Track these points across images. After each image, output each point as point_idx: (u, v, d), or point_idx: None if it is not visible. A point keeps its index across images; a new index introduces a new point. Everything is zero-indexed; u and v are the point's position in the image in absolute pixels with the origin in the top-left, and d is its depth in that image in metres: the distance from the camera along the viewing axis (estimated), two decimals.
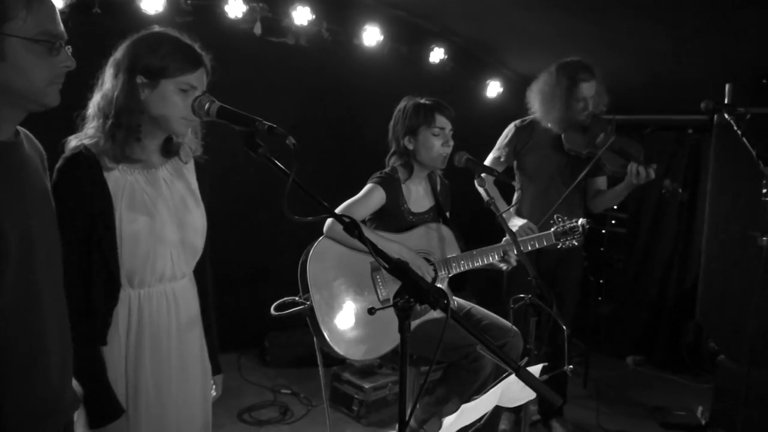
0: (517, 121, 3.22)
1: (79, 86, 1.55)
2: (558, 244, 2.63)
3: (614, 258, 4.78)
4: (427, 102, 2.58)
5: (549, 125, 3.10)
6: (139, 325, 1.60)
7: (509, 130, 3.21)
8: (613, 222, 4.79)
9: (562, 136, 3.05)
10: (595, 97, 3.01)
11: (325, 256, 2.37)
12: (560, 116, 3.03)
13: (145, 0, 3.27)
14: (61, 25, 1.19)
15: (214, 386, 1.87)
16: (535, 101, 3.12)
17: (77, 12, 2.91)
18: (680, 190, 2.85)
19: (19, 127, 1.25)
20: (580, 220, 2.61)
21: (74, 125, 1.60)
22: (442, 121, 2.55)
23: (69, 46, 1.21)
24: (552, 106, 3.03)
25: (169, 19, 3.31)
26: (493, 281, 3.28)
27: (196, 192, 1.74)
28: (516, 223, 2.95)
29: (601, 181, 3.22)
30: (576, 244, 2.63)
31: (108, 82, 1.57)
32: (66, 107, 1.52)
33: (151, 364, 1.61)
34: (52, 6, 1.18)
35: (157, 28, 1.62)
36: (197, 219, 1.70)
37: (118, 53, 1.58)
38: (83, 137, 1.56)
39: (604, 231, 4.59)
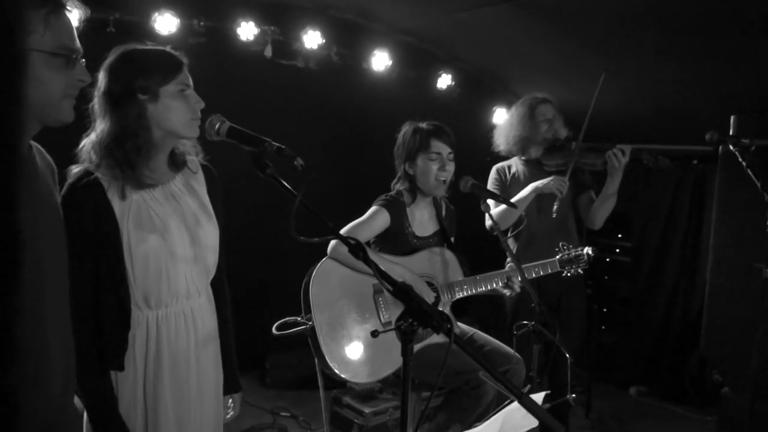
0: (497, 164, 3.30)
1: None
2: (563, 272, 2.62)
3: (618, 287, 4.76)
4: (424, 127, 2.59)
5: (523, 156, 3.20)
6: (158, 347, 1.58)
7: (492, 173, 3.27)
8: (617, 250, 4.78)
9: (541, 160, 3.15)
10: (556, 121, 3.14)
11: (328, 277, 2.37)
12: (527, 137, 3.14)
13: (158, 21, 3.33)
14: (77, 40, 1.22)
15: (231, 404, 1.84)
16: (501, 137, 3.27)
17: (92, 31, 2.97)
18: (667, 161, 2.84)
19: (32, 142, 1.26)
20: (586, 249, 2.61)
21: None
22: (438, 145, 2.56)
23: (83, 60, 1.23)
24: (518, 133, 3.16)
25: (181, 40, 3.36)
26: (497, 307, 3.27)
27: (208, 206, 1.72)
28: (542, 182, 2.98)
29: (588, 196, 3.22)
30: (581, 272, 2.62)
31: (100, 117, 1.55)
32: (81, 126, 1.55)
33: (171, 386, 1.59)
34: (69, 21, 1.20)
35: (125, 47, 1.59)
36: (209, 234, 1.68)
37: (102, 84, 1.55)
38: (86, 165, 1.55)
39: (608, 259, 4.57)
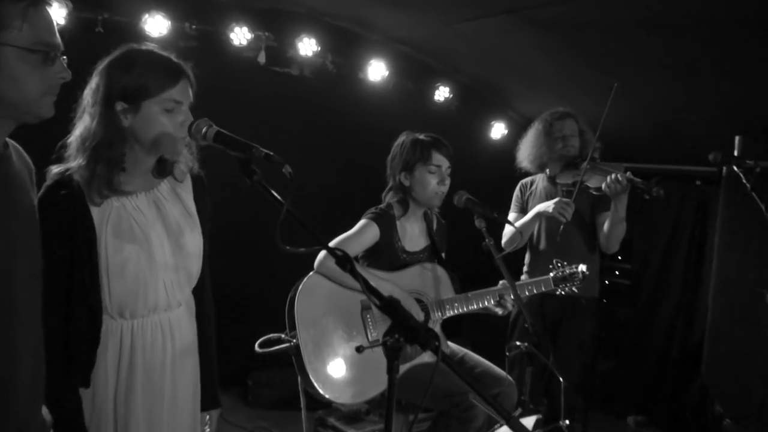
0: (523, 180, 3.40)
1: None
2: (557, 290, 2.63)
3: (616, 310, 4.75)
4: (425, 138, 2.61)
5: (541, 173, 3.28)
6: (132, 359, 1.57)
7: (516, 189, 3.38)
8: (617, 273, 4.78)
9: (555, 179, 3.21)
10: (576, 137, 3.19)
11: (314, 293, 2.37)
12: (542, 154, 3.21)
13: (149, 22, 3.35)
14: (58, 36, 1.21)
15: (208, 422, 1.81)
16: (522, 154, 3.34)
17: (79, 30, 2.99)
18: (661, 192, 2.84)
19: (8, 140, 1.26)
20: (580, 266, 2.62)
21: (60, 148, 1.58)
22: (438, 158, 2.58)
23: (64, 57, 1.23)
24: (535, 150, 3.24)
25: (172, 43, 3.38)
26: (492, 328, 3.26)
27: (193, 213, 1.71)
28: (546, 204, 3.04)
29: (604, 218, 3.23)
30: (576, 291, 2.63)
31: (86, 113, 1.54)
32: (63, 123, 1.54)
33: (143, 399, 1.58)
34: (49, 16, 1.19)
35: (129, 46, 1.59)
36: (193, 242, 1.67)
37: (93, 81, 1.55)
38: (64, 166, 1.54)
39: (606, 282, 4.57)
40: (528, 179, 3.37)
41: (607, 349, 4.44)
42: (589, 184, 3.03)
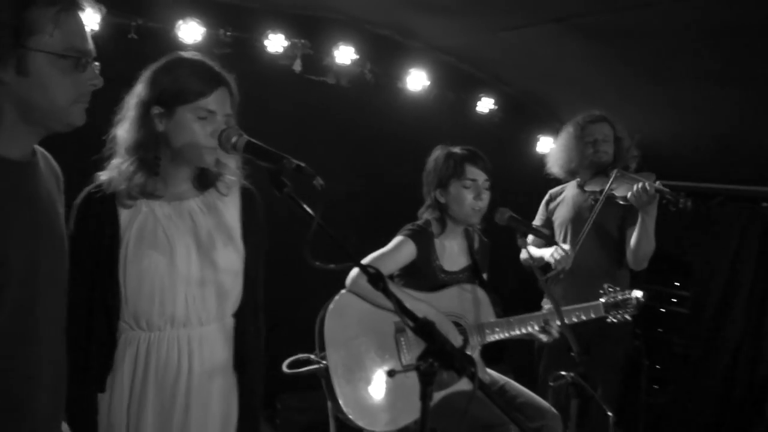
0: (552, 189, 3.39)
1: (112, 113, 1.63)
2: (608, 318, 2.58)
3: (673, 341, 4.63)
4: (458, 152, 2.61)
5: (571, 179, 3.26)
6: (145, 373, 1.60)
7: (544, 199, 3.37)
8: (674, 300, 4.66)
9: (584, 187, 3.18)
10: (609, 143, 3.13)
11: (345, 312, 2.37)
12: (572, 159, 3.18)
13: (183, 29, 3.43)
14: (90, 42, 1.24)
15: None
16: (552, 159, 3.33)
17: (112, 37, 3.08)
18: (688, 204, 2.78)
19: (36, 147, 1.30)
20: (634, 292, 2.57)
21: (104, 150, 1.66)
22: (473, 172, 2.56)
23: (97, 64, 1.26)
24: (565, 155, 3.22)
25: (206, 49, 3.45)
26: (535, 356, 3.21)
27: (232, 228, 1.73)
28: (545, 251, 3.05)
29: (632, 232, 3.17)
30: (629, 318, 2.57)
31: (126, 116, 1.63)
32: (98, 132, 1.60)
33: (153, 416, 1.60)
34: (82, 21, 1.23)
35: (176, 53, 1.67)
36: (225, 257, 1.69)
37: (138, 85, 1.63)
38: (109, 172, 1.62)
39: (663, 309, 4.47)
40: (557, 188, 3.34)
41: (661, 382, 4.33)
42: (616, 193, 2.98)
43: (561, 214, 3.22)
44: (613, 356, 3.12)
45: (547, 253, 3.03)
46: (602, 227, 3.00)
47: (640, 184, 2.81)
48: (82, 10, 1.24)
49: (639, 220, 2.89)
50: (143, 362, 1.60)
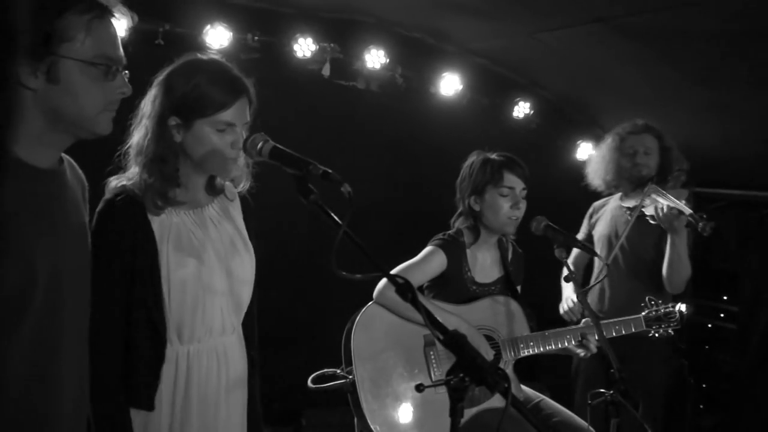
0: (596, 201, 3.34)
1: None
2: (650, 332, 2.53)
3: (721, 359, 4.53)
4: (496, 158, 2.59)
5: (615, 192, 3.20)
6: (187, 388, 1.61)
7: (590, 209, 3.33)
8: (722, 315, 4.56)
9: (622, 201, 3.13)
10: (651, 156, 3.05)
11: (373, 325, 2.37)
12: (609, 170, 3.13)
13: (210, 34, 3.49)
14: (121, 49, 1.27)
15: None
16: (591, 171, 3.28)
17: (139, 43, 3.15)
18: (707, 229, 2.71)
19: (63, 155, 1.33)
20: (678, 305, 2.52)
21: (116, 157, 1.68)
22: (511, 179, 2.54)
23: (126, 72, 1.29)
24: (604, 166, 3.16)
25: (234, 55, 3.50)
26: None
27: (245, 233, 1.76)
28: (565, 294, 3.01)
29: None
30: (671, 333, 2.53)
31: (142, 124, 1.62)
32: (122, 137, 1.63)
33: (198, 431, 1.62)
34: (113, 29, 1.26)
35: (191, 56, 1.66)
36: (245, 265, 1.72)
37: (152, 91, 1.63)
38: (124, 179, 1.62)
39: (710, 325, 4.37)
40: (601, 200, 3.29)
41: (708, 403, 4.23)
42: (645, 212, 2.91)
43: (600, 230, 3.17)
44: (656, 374, 3.04)
45: (563, 299, 3.02)
46: (639, 248, 2.94)
47: (661, 205, 2.76)
48: (116, 18, 1.27)
49: (668, 241, 2.82)
50: (184, 377, 1.61)
